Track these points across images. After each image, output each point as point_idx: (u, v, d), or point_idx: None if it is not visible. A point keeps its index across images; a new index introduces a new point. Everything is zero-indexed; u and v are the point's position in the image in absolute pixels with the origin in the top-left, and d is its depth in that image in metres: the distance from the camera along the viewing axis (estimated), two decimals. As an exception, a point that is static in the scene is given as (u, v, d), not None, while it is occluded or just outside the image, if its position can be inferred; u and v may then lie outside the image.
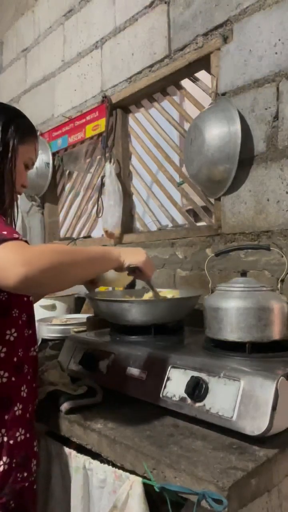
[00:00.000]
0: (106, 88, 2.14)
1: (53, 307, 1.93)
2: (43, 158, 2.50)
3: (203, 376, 0.93)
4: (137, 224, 2.13)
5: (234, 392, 0.86)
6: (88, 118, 2.22)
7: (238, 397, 0.85)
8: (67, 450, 0.99)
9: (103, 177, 2.08)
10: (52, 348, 1.55)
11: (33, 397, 0.97)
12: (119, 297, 1.42)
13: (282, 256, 1.32)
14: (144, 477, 0.80)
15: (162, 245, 1.83)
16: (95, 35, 2.21)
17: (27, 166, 1.03)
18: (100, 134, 2.16)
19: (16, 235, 0.78)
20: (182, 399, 0.94)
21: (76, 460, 0.95)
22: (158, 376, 1.02)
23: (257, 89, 1.45)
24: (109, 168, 2.04)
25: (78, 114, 2.32)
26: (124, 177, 2.11)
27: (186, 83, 1.84)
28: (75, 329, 1.55)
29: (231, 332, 1.03)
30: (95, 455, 0.93)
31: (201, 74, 1.75)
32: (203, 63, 1.67)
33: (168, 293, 1.41)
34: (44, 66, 2.64)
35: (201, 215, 1.80)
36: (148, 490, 0.80)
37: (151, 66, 1.88)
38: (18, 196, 1.03)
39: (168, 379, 1.00)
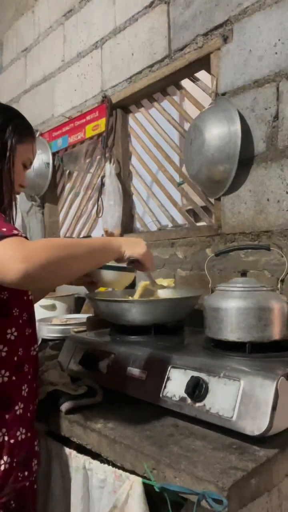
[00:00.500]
0: (106, 88, 2.14)
1: (53, 307, 1.93)
2: (43, 158, 2.50)
3: (203, 376, 0.93)
4: (137, 224, 2.13)
5: (234, 392, 0.86)
6: (88, 118, 2.22)
7: (238, 397, 0.85)
8: (67, 450, 0.99)
9: (103, 177, 2.08)
10: (52, 348, 1.55)
11: (33, 397, 0.97)
12: (119, 297, 1.42)
13: (282, 256, 1.32)
14: (144, 477, 0.80)
15: (162, 245, 1.83)
16: (95, 35, 2.21)
17: (25, 166, 1.03)
18: (100, 134, 2.16)
19: (15, 231, 0.78)
20: (182, 399, 0.94)
21: (76, 460, 0.95)
22: (158, 376, 1.02)
23: (257, 89, 1.45)
24: (109, 168, 2.04)
25: (78, 114, 2.32)
26: (124, 177, 2.11)
27: (186, 83, 1.84)
28: (75, 329, 1.55)
29: (231, 332, 1.03)
30: (95, 455, 0.93)
31: (201, 74, 1.75)
32: (203, 63, 1.67)
33: (163, 281, 1.42)
34: (44, 66, 2.64)
35: (201, 215, 1.80)
36: (148, 490, 0.80)
37: (151, 66, 1.88)
38: (17, 196, 1.04)
39: (168, 379, 1.00)
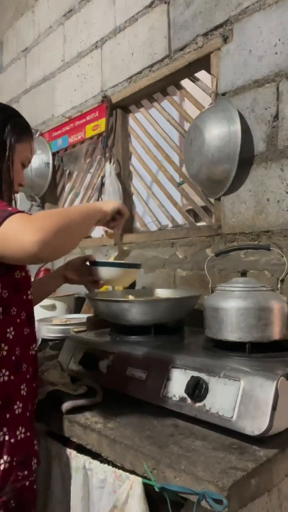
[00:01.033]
0: (106, 88, 2.14)
1: (53, 307, 1.93)
2: (43, 158, 2.50)
3: (203, 376, 0.93)
4: (137, 224, 2.13)
5: (234, 392, 0.86)
6: (88, 118, 2.22)
7: (238, 397, 0.85)
8: (67, 450, 0.99)
9: (103, 177, 2.08)
10: (52, 348, 1.55)
11: (33, 396, 0.97)
12: (119, 297, 1.42)
13: (282, 256, 1.32)
14: (144, 477, 0.80)
15: (162, 245, 1.83)
16: (95, 35, 2.21)
17: (24, 165, 1.04)
18: (100, 134, 2.16)
19: (20, 210, 0.81)
20: (182, 399, 0.94)
21: (76, 460, 0.95)
22: (158, 376, 1.02)
23: (257, 89, 1.45)
24: (109, 168, 2.04)
25: (78, 114, 2.32)
26: (124, 177, 2.11)
27: (186, 83, 1.84)
28: (75, 329, 1.55)
29: (231, 332, 1.03)
30: (95, 455, 0.93)
31: (201, 74, 1.75)
32: (203, 63, 1.67)
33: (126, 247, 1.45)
34: (44, 66, 2.64)
35: (201, 215, 1.80)
36: (148, 490, 0.80)
37: (151, 66, 1.88)
38: (18, 196, 1.04)
39: (168, 379, 1.00)
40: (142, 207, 2.09)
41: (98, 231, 2.32)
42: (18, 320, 0.93)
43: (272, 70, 1.41)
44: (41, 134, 2.57)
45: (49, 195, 2.61)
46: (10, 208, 0.81)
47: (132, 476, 0.82)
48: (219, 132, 1.47)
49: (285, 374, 0.85)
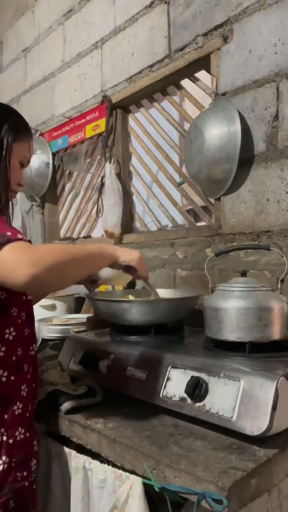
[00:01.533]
0: (106, 88, 2.14)
1: (53, 307, 1.93)
2: (43, 158, 2.50)
3: (203, 376, 0.93)
4: (137, 224, 2.13)
5: (234, 392, 0.86)
6: (88, 118, 2.22)
7: (238, 397, 0.85)
8: (67, 450, 0.99)
9: (103, 177, 2.08)
10: (52, 348, 1.55)
11: (32, 397, 0.97)
12: (119, 297, 1.42)
13: (282, 256, 1.32)
14: (144, 477, 0.80)
15: (162, 245, 1.83)
16: (95, 35, 2.21)
17: (23, 165, 1.03)
18: (100, 134, 2.16)
19: (19, 235, 0.80)
20: (182, 399, 0.94)
21: (76, 460, 0.95)
22: (158, 376, 1.02)
23: (257, 89, 1.45)
24: (109, 168, 2.04)
25: (78, 114, 2.32)
26: (124, 177, 2.11)
27: (186, 83, 1.84)
28: (75, 329, 1.55)
29: (231, 332, 1.03)
30: (95, 455, 0.93)
31: (201, 74, 1.75)
32: (203, 63, 1.67)
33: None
34: (44, 66, 2.64)
35: (201, 215, 1.80)
36: (148, 490, 0.80)
37: (151, 66, 1.88)
38: (18, 195, 1.04)
39: (168, 379, 1.00)
40: (142, 207, 2.09)
41: (98, 231, 2.32)
42: (19, 321, 0.93)
43: (272, 70, 1.41)
44: (41, 134, 2.57)
45: (49, 195, 2.61)
46: (9, 233, 0.79)
47: (132, 476, 0.82)
48: (219, 132, 1.47)
49: (285, 374, 0.85)
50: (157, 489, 0.75)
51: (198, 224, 1.85)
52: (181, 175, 1.88)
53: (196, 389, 0.91)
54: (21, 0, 2.86)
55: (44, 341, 1.62)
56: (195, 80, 1.79)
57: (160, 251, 1.82)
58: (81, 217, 2.46)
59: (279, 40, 1.39)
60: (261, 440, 0.82)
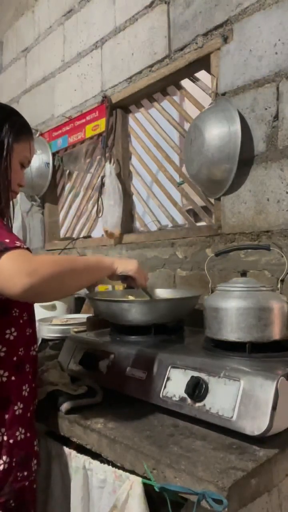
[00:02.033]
0: (106, 88, 2.14)
1: (53, 307, 1.93)
2: (43, 158, 2.50)
3: (203, 376, 0.93)
4: (137, 224, 2.13)
5: (234, 392, 0.86)
6: (88, 118, 2.22)
7: (238, 397, 0.85)
8: (67, 450, 0.99)
9: (103, 177, 2.08)
10: (52, 348, 1.55)
11: (33, 397, 0.97)
12: (119, 297, 1.42)
13: (282, 256, 1.32)
14: (144, 477, 0.80)
15: (162, 245, 1.83)
16: (95, 35, 2.21)
17: (23, 165, 1.02)
18: (100, 134, 2.16)
19: (18, 243, 0.79)
20: (182, 399, 0.94)
21: (76, 460, 0.95)
22: (158, 376, 1.02)
23: (257, 89, 1.45)
24: (109, 168, 2.04)
25: (78, 114, 2.32)
26: (124, 177, 2.11)
27: (186, 83, 1.84)
28: (75, 329, 1.55)
29: (231, 332, 1.03)
30: (95, 455, 0.93)
31: (201, 74, 1.75)
32: (203, 63, 1.67)
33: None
34: (44, 66, 2.64)
35: (201, 215, 1.80)
36: (148, 490, 0.80)
37: (151, 66, 1.88)
38: (18, 196, 1.03)
39: (168, 379, 1.00)
40: (142, 207, 2.09)
41: (98, 231, 2.32)
42: (20, 321, 0.93)
43: (272, 70, 1.41)
44: (41, 134, 2.57)
45: (49, 195, 2.61)
46: (7, 240, 0.79)
47: (132, 476, 0.82)
48: (219, 132, 1.47)
49: (285, 374, 0.85)
50: (157, 489, 0.75)
51: (198, 224, 1.85)
52: (181, 175, 1.88)
53: (196, 389, 0.91)
54: (21, 0, 2.86)
55: (44, 341, 1.62)
56: (195, 80, 1.79)
57: (160, 251, 1.82)
58: (81, 217, 2.46)
59: (279, 40, 1.39)
60: (261, 440, 0.82)
